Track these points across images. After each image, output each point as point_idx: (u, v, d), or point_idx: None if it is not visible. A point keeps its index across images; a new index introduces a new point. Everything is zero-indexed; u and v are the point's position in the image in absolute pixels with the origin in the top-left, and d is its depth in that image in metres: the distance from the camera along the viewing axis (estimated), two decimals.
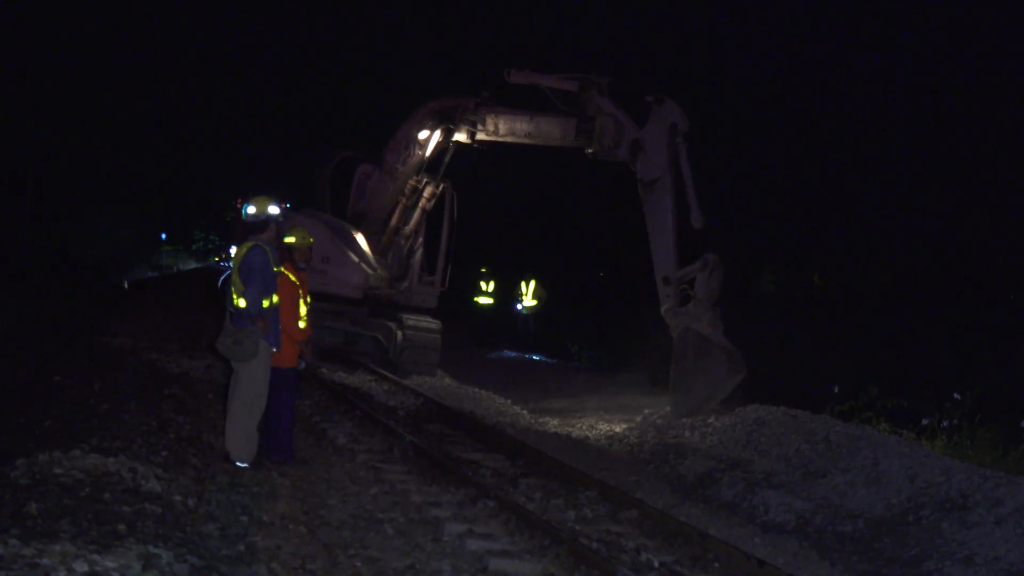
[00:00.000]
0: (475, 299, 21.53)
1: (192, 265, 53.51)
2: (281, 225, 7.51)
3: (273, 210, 7.31)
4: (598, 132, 13.11)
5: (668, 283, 12.26)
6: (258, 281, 6.99)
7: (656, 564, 6.02)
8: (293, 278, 7.58)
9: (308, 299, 7.85)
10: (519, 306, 21.01)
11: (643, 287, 12.39)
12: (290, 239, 7.70)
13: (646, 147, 12.45)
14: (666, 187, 12.34)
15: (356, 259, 14.44)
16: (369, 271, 14.56)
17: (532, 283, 20.86)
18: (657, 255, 12.53)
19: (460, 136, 14.00)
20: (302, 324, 7.67)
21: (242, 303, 6.99)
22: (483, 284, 21.57)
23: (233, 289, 7.07)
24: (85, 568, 4.10)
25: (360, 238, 14.71)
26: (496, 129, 13.92)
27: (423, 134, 14.33)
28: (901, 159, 26.01)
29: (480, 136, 13.94)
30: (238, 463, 7.11)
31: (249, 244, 7.15)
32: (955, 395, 10.12)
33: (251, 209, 7.28)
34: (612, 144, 12.95)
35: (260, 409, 7.19)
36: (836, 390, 11.31)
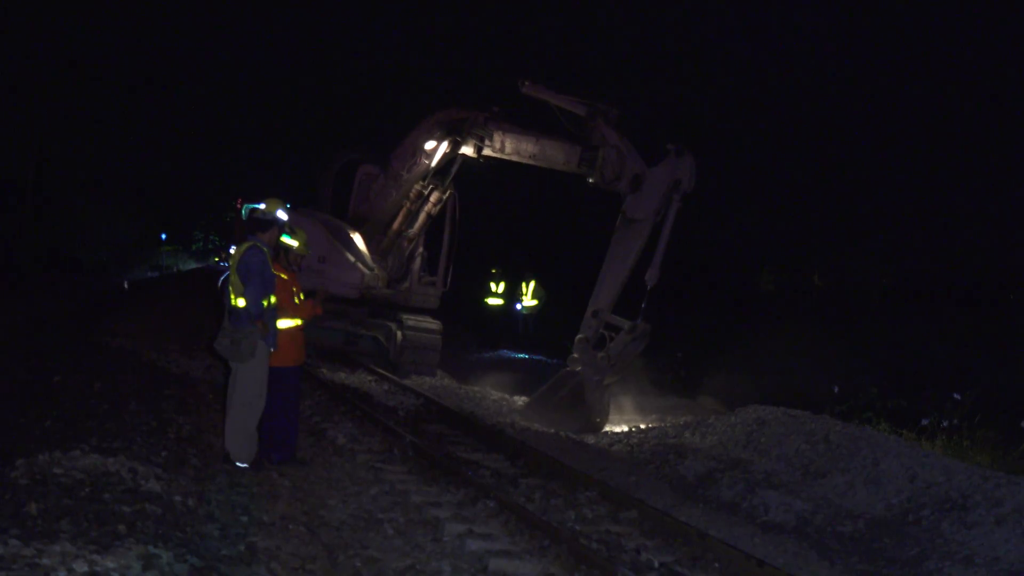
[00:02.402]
0: (485, 300, 21.54)
1: (192, 265, 53.52)
2: (283, 229, 7.55)
3: (282, 215, 7.38)
4: (600, 163, 13.09)
5: (596, 316, 12.34)
6: (257, 281, 7.00)
7: (656, 564, 6.02)
8: (284, 276, 7.58)
9: (303, 296, 7.86)
10: (519, 306, 21.02)
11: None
12: (292, 242, 7.71)
13: (643, 187, 12.45)
14: (642, 232, 12.34)
15: (353, 259, 14.43)
16: (366, 271, 14.55)
17: (532, 283, 20.88)
18: (601, 287, 12.57)
19: (467, 149, 13.97)
20: (295, 321, 7.66)
21: (241, 303, 6.99)
22: (493, 285, 21.57)
23: (231, 289, 7.08)
24: (85, 568, 4.10)
25: (357, 238, 14.70)
26: (503, 147, 13.87)
27: (430, 144, 14.29)
28: (901, 160, 26.00)
29: (486, 152, 13.89)
30: (238, 463, 7.11)
31: (247, 244, 7.16)
32: (955, 395, 10.13)
33: (261, 207, 7.33)
34: (613, 176, 12.95)
35: (259, 409, 7.19)
36: (836, 390, 11.33)
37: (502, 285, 21.56)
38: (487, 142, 13.74)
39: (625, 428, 12.09)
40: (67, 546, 4.31)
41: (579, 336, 12.32)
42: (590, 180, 13.41)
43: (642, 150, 12.93)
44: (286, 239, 7.69)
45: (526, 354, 19.17)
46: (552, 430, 11.40)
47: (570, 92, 13.62)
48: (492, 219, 27.22)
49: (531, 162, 13.92)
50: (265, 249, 7.19)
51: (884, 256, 23.58)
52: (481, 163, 14.13)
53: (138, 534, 4.72)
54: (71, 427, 6.97)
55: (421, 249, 15.66)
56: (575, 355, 12.26)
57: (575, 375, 12.19)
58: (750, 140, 27.35)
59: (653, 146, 12.88)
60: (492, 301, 21.50)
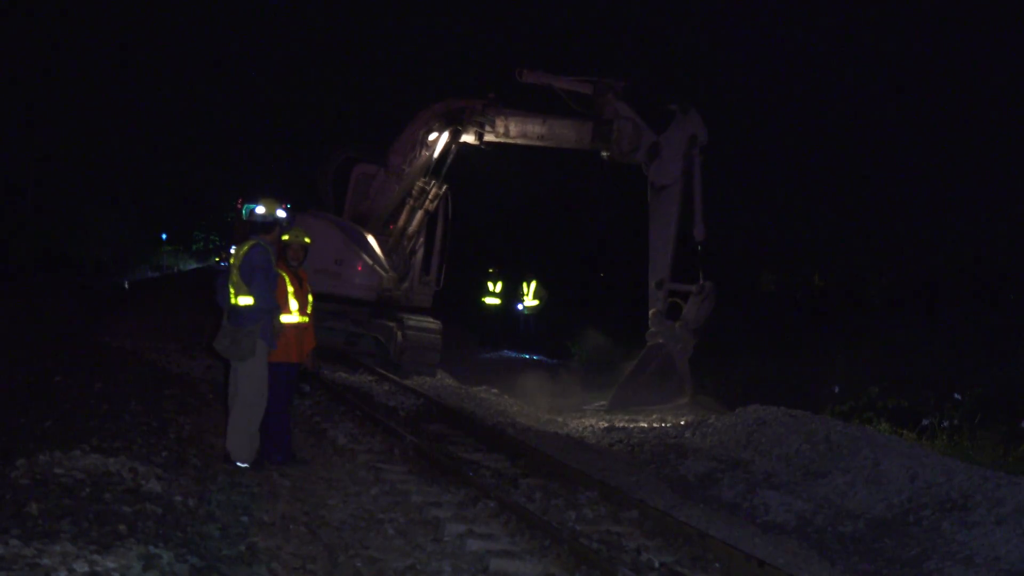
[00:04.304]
0: (483, 299, 21.54)
1: (192, 265, 53.47)
2: (284, 228, 7.55)
3: (281, 213, 7.38)
4: (616, 136, 13.13)
5: (661, 287, 12.41)
6: (262, 276, 7.00)
7: (656, 564, 6.01)
8: (285, 276, 7.55)
9: (310, 298, 7.85)
10: (520, 306, 21.03)
11: (644, 287, 12.45)
12: (285, 236, 7.69)
13: (663, 153, 12.56)
14: (675, 195, 12.47)
15: (371, 261, 14.43)
16: (383, 273, 14.54)
17: (533, 283, 20.89)
18: (654, 259, 12.65)
19: (468, 137, 13.96)
20: (295, 319, 7.65)
21: (244, 301, 6.99)
22: (491, 284, 21.57)
23: (232, 288, 7.07)
24: (85, 568, 4.10)
25: (372, 240, 14.69)
26: (506, 131, 13.85)
27: (431, 136, 14.29)
28: (902, 160, 26.02)
29: (488, 137, 13.88)
30: (239, 463, 7.11)
31: (251, 243, 7.16)
32: (955, 395, 10.15)
33: (260, 210, 7.32)
34: (630, 148, 13.01)
35: (260, 409, 7.19)
36: (836, 390, 11.35)
37: (499, 284, 21.57)
38: (488, 128, 13.72)
39: (626, 428, 12.08)
40: (68, 546, 4.31)
41: (652, 310, 12.46)
42: (604, 155, 13.43)
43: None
44: (282, 236, 7.68)
45: (528, 354, 19.18)
46: (644, 412, 11.63)
47: (570, 73, 13.68)
48: (493, 219, 27.22)
49: (540, 143, 13.89)
50: (269, 247, 7.20)
51: (884, 256, 23.57)
52: (484, 151, 14.09)
53: (139, 534, 4.72)
54: (71, 427, 6.97)
55: (422, 241, 15.65)
56: (652, 329, 12.38)
57: (659, 348, 12.34)
58: (750, 140, 27.36)
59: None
60: (489, 301, 21.50)
